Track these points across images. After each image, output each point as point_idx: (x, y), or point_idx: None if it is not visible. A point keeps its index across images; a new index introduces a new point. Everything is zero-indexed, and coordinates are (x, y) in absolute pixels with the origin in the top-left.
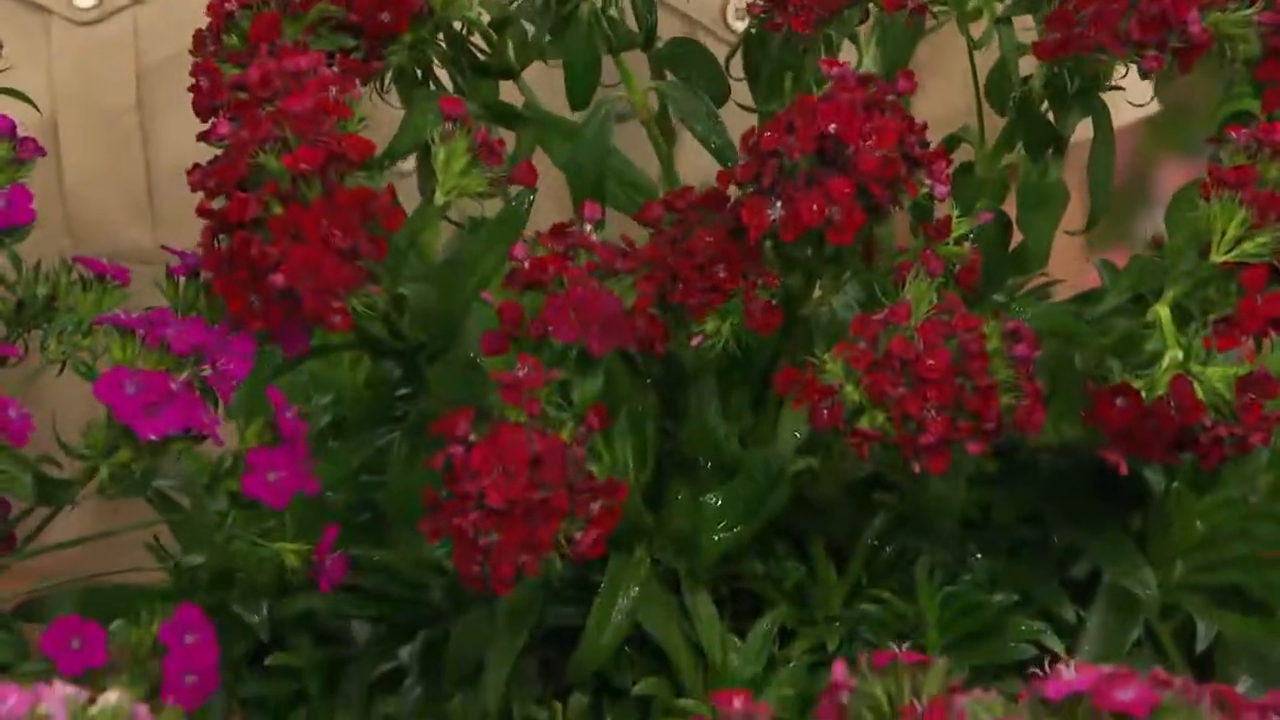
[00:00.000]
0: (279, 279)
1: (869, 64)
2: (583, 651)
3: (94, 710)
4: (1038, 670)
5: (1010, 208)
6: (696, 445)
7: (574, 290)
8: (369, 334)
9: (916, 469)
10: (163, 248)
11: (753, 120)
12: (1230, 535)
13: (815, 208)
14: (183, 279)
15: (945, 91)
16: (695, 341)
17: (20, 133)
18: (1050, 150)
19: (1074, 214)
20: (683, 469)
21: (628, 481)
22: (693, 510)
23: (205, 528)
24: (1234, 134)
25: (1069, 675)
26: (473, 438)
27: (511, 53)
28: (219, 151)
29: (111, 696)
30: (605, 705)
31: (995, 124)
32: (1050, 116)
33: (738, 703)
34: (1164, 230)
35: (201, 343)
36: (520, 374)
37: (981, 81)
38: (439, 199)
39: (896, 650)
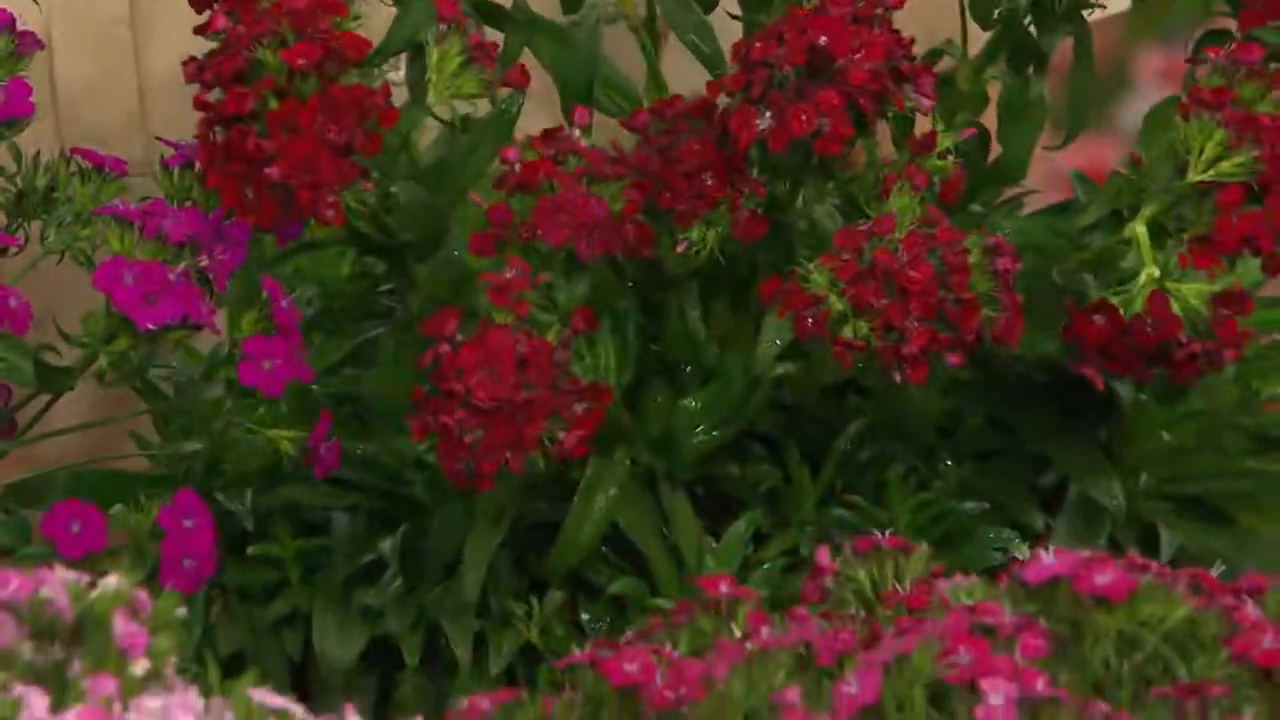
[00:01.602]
0: (274, 172)
1: None
2: (560, 548)
3: (95, 594)
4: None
5: (988, 121)
6: (677, 349)
7: (564, 195)
8: (359, 231)
9: (897, 378)
10: (156, 138)
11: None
12: (1195, 447)
13: (804, 118)
14: (177, 169)
15: (928, 6)
16: (680, 248)
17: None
18: (1032, 67)
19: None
20: (662, 372)
21: (610, 384)
22: (671, 412)
23: (202, 415)
24: (1211, 54)
25: (1048, 560)
26: (460, 337)
27: None
28: (214, 47)
29: (111, 580)
30: (581, 602)
31: (975, 38)
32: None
33: (724, 587)
34: (1140, 144)
35: (197, 232)
36: (508, 276)
37: None
38: (431, 99)
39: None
